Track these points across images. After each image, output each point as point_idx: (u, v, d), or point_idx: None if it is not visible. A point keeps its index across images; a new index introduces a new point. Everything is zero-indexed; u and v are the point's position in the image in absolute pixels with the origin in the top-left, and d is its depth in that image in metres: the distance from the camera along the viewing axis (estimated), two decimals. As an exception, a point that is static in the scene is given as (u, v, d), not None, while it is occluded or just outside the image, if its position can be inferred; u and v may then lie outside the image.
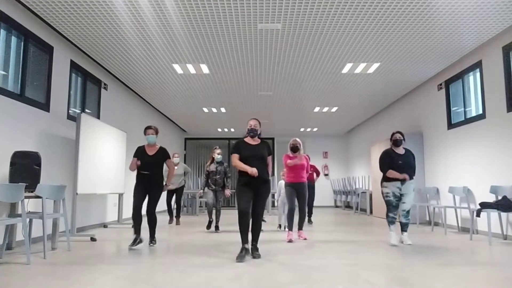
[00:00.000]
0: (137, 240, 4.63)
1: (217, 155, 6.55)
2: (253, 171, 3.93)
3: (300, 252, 4.37)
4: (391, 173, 4.89)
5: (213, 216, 6.61)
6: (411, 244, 4.84)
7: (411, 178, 4.92)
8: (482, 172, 5.99)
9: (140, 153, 4.85)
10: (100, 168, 6.27)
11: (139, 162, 4.78)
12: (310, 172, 8.09)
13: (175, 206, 8.15)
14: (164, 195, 7.45)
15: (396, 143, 5.03)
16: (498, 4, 4.63)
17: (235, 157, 4.15)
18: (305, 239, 5.45)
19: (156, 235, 4.95)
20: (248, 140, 4.29)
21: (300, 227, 5.62)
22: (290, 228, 5.40)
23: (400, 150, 5.04)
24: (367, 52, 6.21)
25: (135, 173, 4.86)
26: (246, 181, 4.03)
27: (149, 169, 4.77)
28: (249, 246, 4.04)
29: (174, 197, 8.05)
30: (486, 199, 5.60)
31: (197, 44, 5.88)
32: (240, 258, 3.82)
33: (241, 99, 9.32)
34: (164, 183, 4.97)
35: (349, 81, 7.86)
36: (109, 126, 6.72)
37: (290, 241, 5.20)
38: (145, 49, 6.08)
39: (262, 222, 4.58)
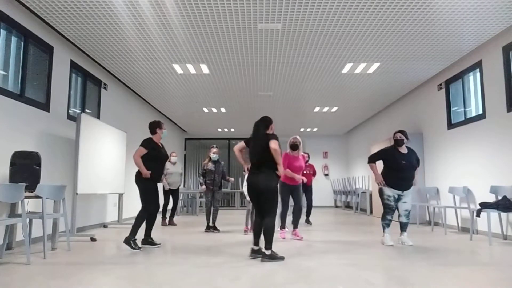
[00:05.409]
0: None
1: (213, 154, 6.53)
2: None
3: (300, 252, 4.37)
4: (378, 178, 5.03)
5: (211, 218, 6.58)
6: (412, 245, 4.81)
7: (410, 181, 4.91)
8: (482, 172, 5.98)
9: (154, 146, 4.68)
10: (100, 168, 6.27)
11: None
12: (309, 172, 8.09)
13: (172, 207, 8.06)
14: (162, 195, 7.45)
15: (397, 142, 4.99)
16: (498, 4, 4.63)
17: (239, 144, 4.16)
18: (302, 238, 5.43)
19: (153, 236, 4.91)
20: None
21: (295, 226, 5.58)
22: (283, 226, 5.47)
23: (403, 149, 5.01)
24: (367, 52, 6.21)
25: (135, 172, 4.73)
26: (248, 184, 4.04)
27: (161, 164, 4.83)
28: (258, 247, 3.96)
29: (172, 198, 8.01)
30: (486, 199, 5.60)
31: (197, 44, 5.88)
32: (250, 256, 3.95)
33: (241, 99, 9.32)
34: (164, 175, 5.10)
35: (349, 81, 7.86)
36: (109, 126, 6.72)
37: (284, 238, 5.28)
38: (145, 49, 6.08)
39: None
